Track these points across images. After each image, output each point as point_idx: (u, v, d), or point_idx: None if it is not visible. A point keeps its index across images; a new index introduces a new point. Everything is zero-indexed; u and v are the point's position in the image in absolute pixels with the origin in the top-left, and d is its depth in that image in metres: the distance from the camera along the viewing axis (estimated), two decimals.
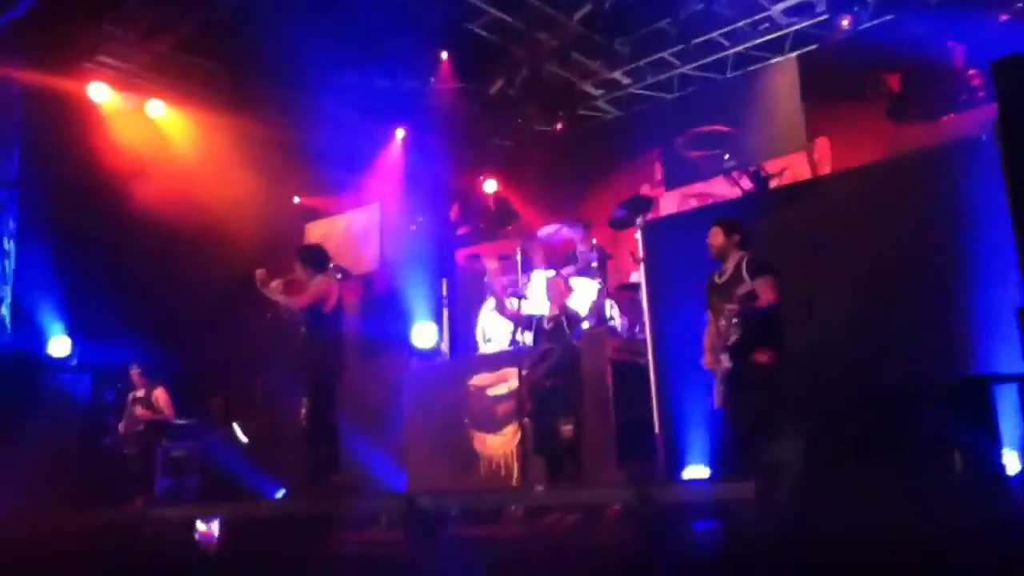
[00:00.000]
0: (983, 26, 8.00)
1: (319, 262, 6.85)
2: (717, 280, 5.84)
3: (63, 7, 8.55)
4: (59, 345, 9.14)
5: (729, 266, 5.78)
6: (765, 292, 5.50)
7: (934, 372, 5.94)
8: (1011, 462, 5.24)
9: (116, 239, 9.42)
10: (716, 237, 5.91)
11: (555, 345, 6.99)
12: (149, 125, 10.19)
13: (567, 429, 6.78)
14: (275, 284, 6.64)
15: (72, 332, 9.19)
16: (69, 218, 9.24)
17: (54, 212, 9.20)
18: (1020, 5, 7.70)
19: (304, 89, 9.91)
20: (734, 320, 5.46)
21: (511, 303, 7.35)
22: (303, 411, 6.60)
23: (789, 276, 6.60)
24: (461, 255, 10.58)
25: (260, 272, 6.64)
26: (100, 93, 9.72)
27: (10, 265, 9.16)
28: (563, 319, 7.07)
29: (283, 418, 8.02)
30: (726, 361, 5.52)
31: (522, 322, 7.17)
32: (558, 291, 7.27)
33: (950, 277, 6.27)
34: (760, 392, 5.48)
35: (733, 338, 5.48)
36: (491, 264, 8.72)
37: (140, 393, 8.96)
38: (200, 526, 6.23)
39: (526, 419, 7.09)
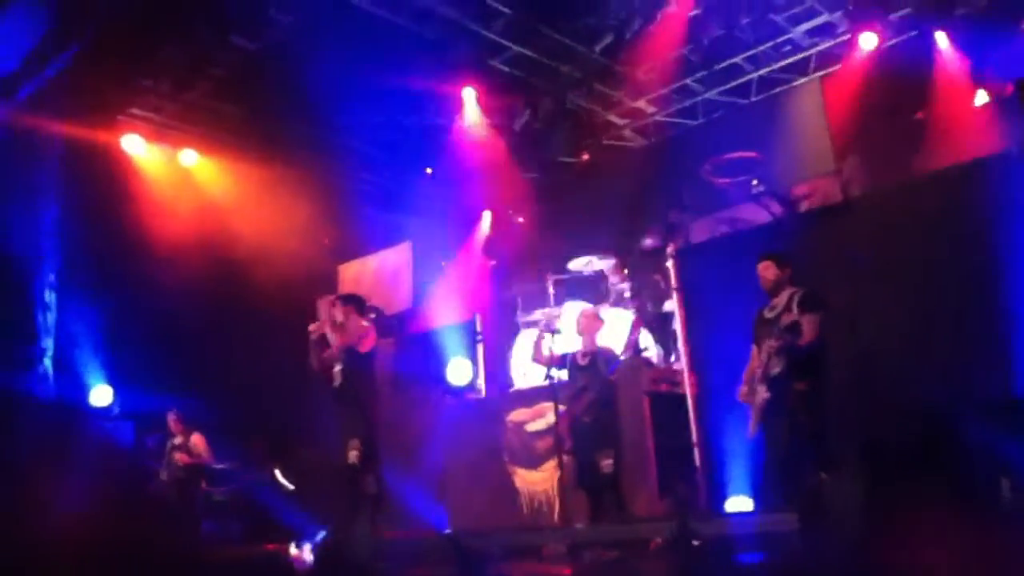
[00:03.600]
0: (1006, 39, 7.94)
1: (361, 308, 7.05)
2: (767, 315, 5.79)
3: (97, 64, 8.75)
4: (101, 395, 9.27)
5: (781, 300, 5.73)
6: (808, 330, 5.45)
7: (979, 393, 5.86)
8: None
9: (152, 287, 9.56)
10: (768, 271, 5.86)
11: (591, 382, 6.96)
12: (183, 174, 10.37)
13: (607, 464, 6.74)
14: (334, 315, 6.85)
15: (113, 381, 9.32)
16: (107, 268, 9.40)
17: (92, 263, 9.36)
18: None
19: (332, 129, 10.04)
20: (776, 354, 5.43)
21: (546, 342, 7.30)
22: (353, 452, 6.66)
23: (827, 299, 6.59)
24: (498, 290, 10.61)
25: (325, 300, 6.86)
26: (134, 145, 9.93)
27: (52, 317, 9.32)
28: (598, 356, 7.05)
29: (324, 459, 8.05)
30: (763, 392, 5.48)
31: (555, 363, 7.16)
32: (589, 325, 7.25)
33: (991, 294, 6.20)
34: (796, 417, 5.42)
35: (775, 371, 5.45)
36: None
37: (178, 440, 9.06)
38: (292, 550, 6.34)
39: (566, 455, 7.06)
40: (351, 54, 8.56)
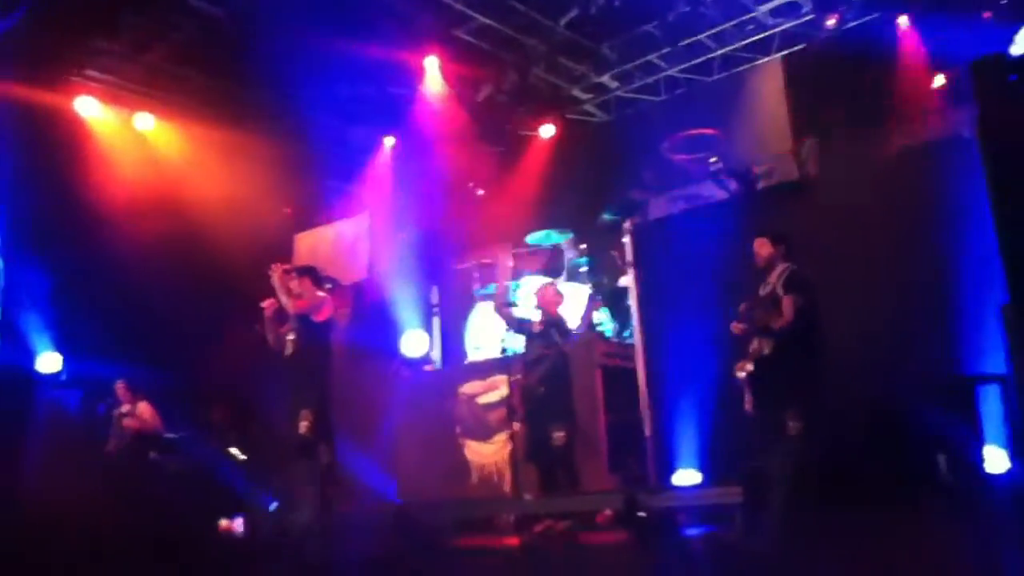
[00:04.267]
0: (964, 24, 8.00)
1: (318, 278, 7.00)
2: (761, 292, 5.81)
3: (51, 22, 8.54)
4: (49, 361, 9.12)
5: (772, 278, 5.76)
6: (786, 310, 5.50)
7: (922, 372, 5.94)
8: (996, 460, 5.24)
9: (104, 253, 9.40)
10: (763, 248, 5.86)
11: (547, 351, 6.95)
12: (138, 138, 10.18)
13: (559, 436, 6.74)
14: (287, 282, 6.77)
15: (62, 348, 9.17)
16: (57, 233, 9.21)
17: (41, 227, 9.17)
18: (1003, 3, 7.69)
19: (292, 98, 9.90)
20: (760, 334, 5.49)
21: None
22: (304, 423, 6.61)
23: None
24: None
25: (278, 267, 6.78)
26: (88, 107, 9.71)
27: None
28: (553, 326, 7.04)
29: (276, 429, 7.99)
30: (748, 367, 5.52)
31: (514, 324, 7.14)
32: (547, 299, 7.23)
33: (937, 275, 6.28)
34: (783, 403, 5.44)
35: (766, 351, 5.48)
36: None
37: (125, 408, 8.93)
38: (223, 523, 6.28)
39: (517, 426, 7.05)
40: (315, 21, 8.44)
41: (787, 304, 5.51)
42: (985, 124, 5.49)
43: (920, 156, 6.99)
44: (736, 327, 5.78)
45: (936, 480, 4.61)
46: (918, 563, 3.54)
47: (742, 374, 5.63)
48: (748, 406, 5.64)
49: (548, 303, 7.21)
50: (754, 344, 5.60)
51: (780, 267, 5.75)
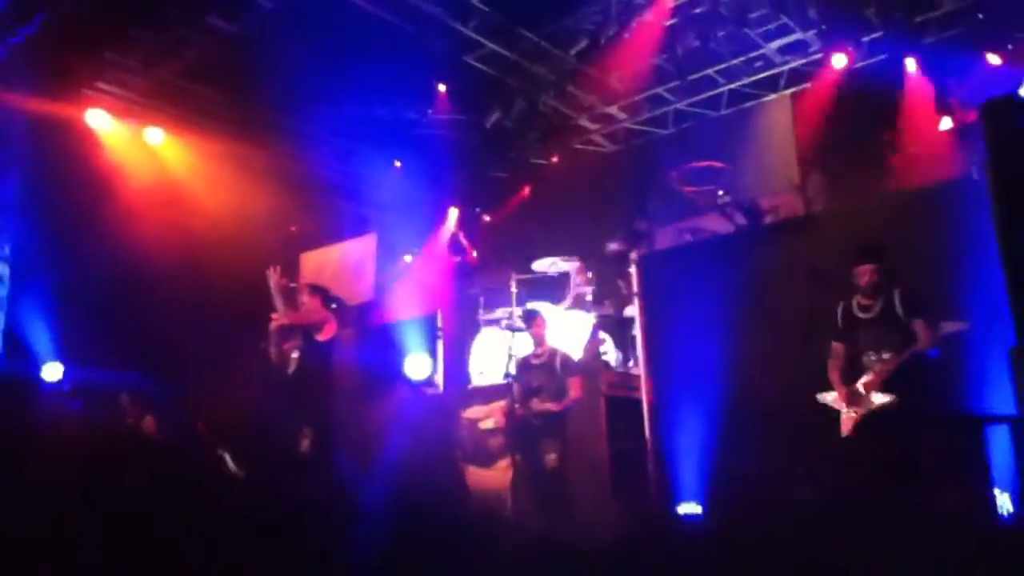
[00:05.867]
0: (972, 67, 8.11)
1: (327, 297, 7.06)
2: (860, 315, 5.77)
3: (65, 35, 8.60)
4: (51, 370, 9.10)
5: (878, 299, 5.72)
6: (925, 334, 5.48)
7: (930, 410, 5.95)
8: (1003, 502, 5.25)
9: (111, 265, 9.41)
10: (874, 275, 5.77)
11: (546, 383, 6.96)
12: (147, 152, 10.22)
13: (551, 458, 6.75)
14: (285, 288, 6.81)
15: (65, 358, 9.15)
16: (64, 244, 9.22)
17: (49, 238, 9.18)
18: (1010, 48, 7.80)
19: (303, 118, 9.98)
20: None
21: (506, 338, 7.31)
22: (305, 441, 6.62)
23: (784, 309, 6.67)
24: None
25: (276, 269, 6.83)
26: (98, 120, 9.76)
27: (4, 290, 9.14)
28: (556, 358, 7.06)
29: (276, 446, 7.96)
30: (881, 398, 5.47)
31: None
32: (539, 329, 7.26)
33: (945, 314, 6.29)
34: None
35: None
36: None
37: (130, 421, 8.90)
38: None
39: (516, 455, 7.05)
40: (328, 42, 8.52)
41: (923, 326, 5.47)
42: (995, 165, 5.54)
43: (928, 195, 7.05)
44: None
45: (945, 519, 4.61)
46: None
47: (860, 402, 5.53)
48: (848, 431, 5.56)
49: (537, 330, 7.24)
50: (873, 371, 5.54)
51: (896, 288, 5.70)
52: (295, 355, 7.01)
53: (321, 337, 6.93)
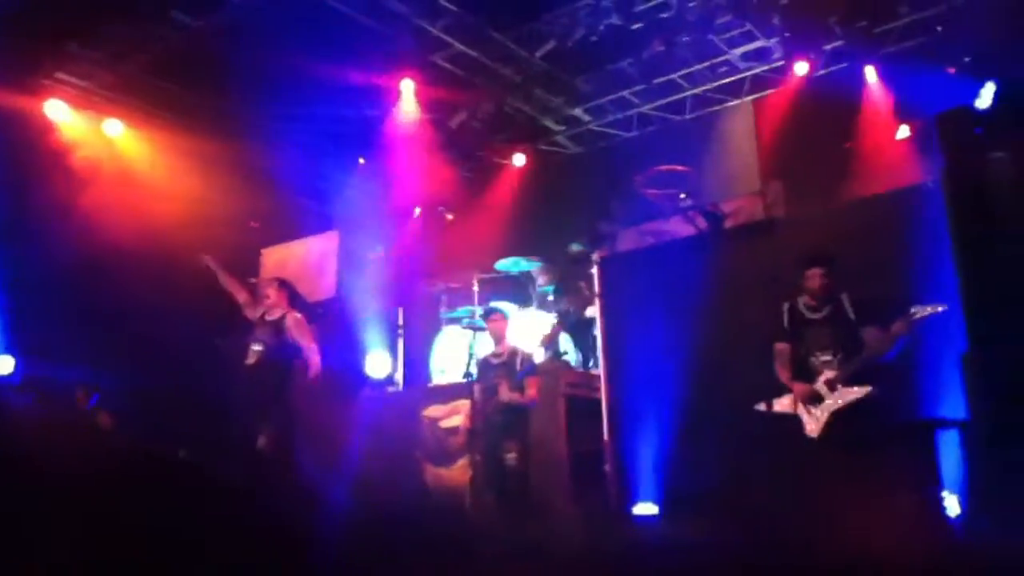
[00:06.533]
0: (930, 78, 8.26)
1: (294, 296, 7.04)
2: (808, 315, 5.76)
3: (27, 27, 8.46)
4: (2, 363, 8.93)
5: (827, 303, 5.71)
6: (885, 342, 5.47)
7: (882, 415, 6.04)
8: (951, 504, 5.34)
9: (66, 258, 9.25)
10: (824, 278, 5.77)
11: (506, 381, 6.96)
12: (106, 144, 10.08)
13: (511, 457, 6.75)
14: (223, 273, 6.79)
15: (16, 351, 8.98)
16: (17, 234, 9.06)
17: (4, 229, 9.01)
18: (967, 60, 7.96)
19: (267, 114, 9.89)
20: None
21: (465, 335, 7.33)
22: (263, 438, 6.57)
23: (742, 313, 6.72)
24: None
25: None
26: (57, 111, 9.61)
27: None
28: (516, 357, 7.07)
29: (233, 441, 7.88)
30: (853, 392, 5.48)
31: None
32: (496, 325, 7.27)
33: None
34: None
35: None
36: None
37: (84, 416, 8.76)
38: None
39: (477, 455, 7.05)
40: (294, 39, 8.46)
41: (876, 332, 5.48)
42: (950, 174, 5.66)
43: (885, 202, 7.15)
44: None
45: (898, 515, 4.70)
46: None
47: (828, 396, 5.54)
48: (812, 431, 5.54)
49: (497, 330, 7.25)
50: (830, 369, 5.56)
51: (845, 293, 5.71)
52: (257, 347, 6.95)
53: (289, 335, 6.92)
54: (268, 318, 7.05)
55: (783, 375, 5.74)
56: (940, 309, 5.27)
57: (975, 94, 6.20)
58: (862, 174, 8.35)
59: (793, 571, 4.04)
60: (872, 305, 5.70)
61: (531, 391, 6.87)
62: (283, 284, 7.24)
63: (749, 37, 9.29)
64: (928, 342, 5.86)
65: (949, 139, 5.71)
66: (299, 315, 7.07)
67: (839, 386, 5.48)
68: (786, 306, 5.86)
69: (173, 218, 9.57)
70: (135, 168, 10.16)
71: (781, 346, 5.83)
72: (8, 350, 9.00)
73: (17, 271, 9.01)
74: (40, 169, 9.39)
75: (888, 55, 9.01)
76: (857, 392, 5.44)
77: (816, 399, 5.55)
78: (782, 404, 5.72)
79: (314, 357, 6.92)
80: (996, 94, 6.03)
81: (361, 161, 10.95)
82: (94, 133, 9.99)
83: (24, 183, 9.17)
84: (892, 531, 4.43)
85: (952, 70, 8.10)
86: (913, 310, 5.32)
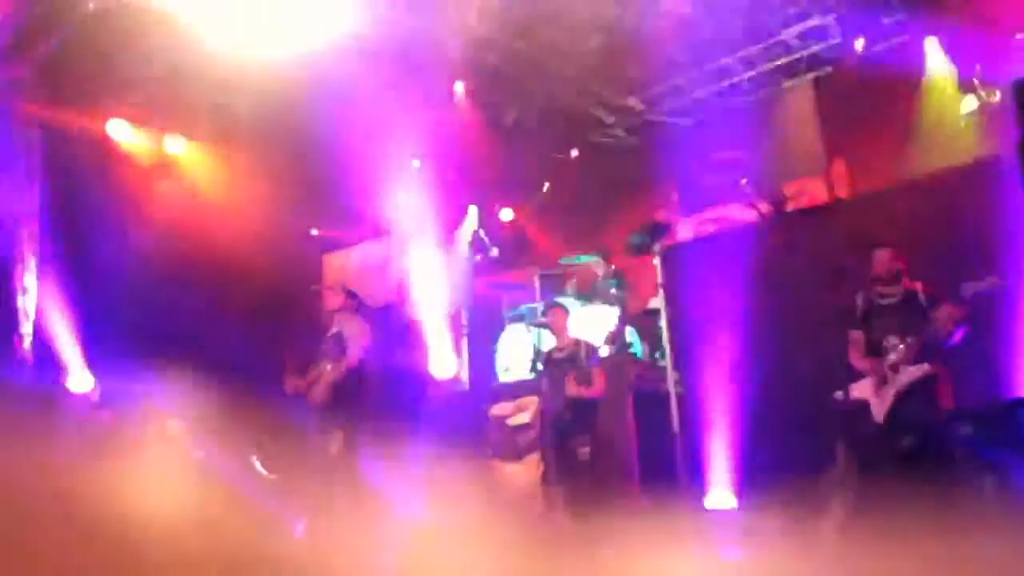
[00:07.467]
0: (995, 48, 7.98)
1: (359, 305, 7.12)
2: (881, 301, 5.77)
3: (85, 48, 8.66)
4: (81, 381, 9.17)
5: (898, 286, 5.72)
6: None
7: (967, 395, 5.88)
8: None
9: (135, 274, 9.46)
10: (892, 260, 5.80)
11: (575, 374, 6.92)
12: (168, 159, 10.29)
13: (583, 452, 6.73)
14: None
15: (93, 367, 9.21)
16: (89, 255, 9.29)
17: (74, 249, 9.26)
18: None
19: (320, 120, 9.98)
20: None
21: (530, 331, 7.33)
22: (335, 444, 6.65)
23: (809, 299, 6.59)
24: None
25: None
26: (119, 130, 9.85)
27: (31, 302, 9.21)
28: (580, 350, 7.03)
29: (305, 448, 7.99)
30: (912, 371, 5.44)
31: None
32: (558, 320, 7.24)
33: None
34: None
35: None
36: None
37: (158, 430, 8.94)
38: None
39: (548, 450, 7.04)
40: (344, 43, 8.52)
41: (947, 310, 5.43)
42: None
43: (954, 178, 6.94)
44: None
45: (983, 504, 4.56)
46: None
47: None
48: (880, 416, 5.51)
49: (559, 325, 7.22)
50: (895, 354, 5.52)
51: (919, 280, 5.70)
52: (329, 368, 7.04)
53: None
54: (334, 330, 7.13)
55: (859, 362, 5.69)
56: (995, 282, 5.18)
57: None
58: (927, 150, 8.12)
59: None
60: (942, 287, 5.60)
61: (597, 383, 6.82)
62: (350, 294, 7.30)
63: (803, 15, 9.08)
64: (1005, 320, 5.69)
65: None
66: (354, 317, 7.12)
67: (902, 367, 5.46)
68: (860, 295, 5.88)
69: (236, 230, 9.74)
70: (198, 183, 10.35)
71: (856, 334, 5.85)
72: (86, 368, 9.23)
73: (90, 289, 9.25)
74: (107, 188, 9.61)
75: (950, 25, 8.71)
76: (914, 371, 5.43)
77: (884, 381, 5.55)
78: (859, 390, 5.67)
79: (354, 348, 6.95)
80: None
81: (415, 164, 10.98)
82: (157, 150, 10.20)
83: (92, 203, 9.41)
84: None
85: (1021, 36, 7.82)
86: (965, 287, 5.24)
